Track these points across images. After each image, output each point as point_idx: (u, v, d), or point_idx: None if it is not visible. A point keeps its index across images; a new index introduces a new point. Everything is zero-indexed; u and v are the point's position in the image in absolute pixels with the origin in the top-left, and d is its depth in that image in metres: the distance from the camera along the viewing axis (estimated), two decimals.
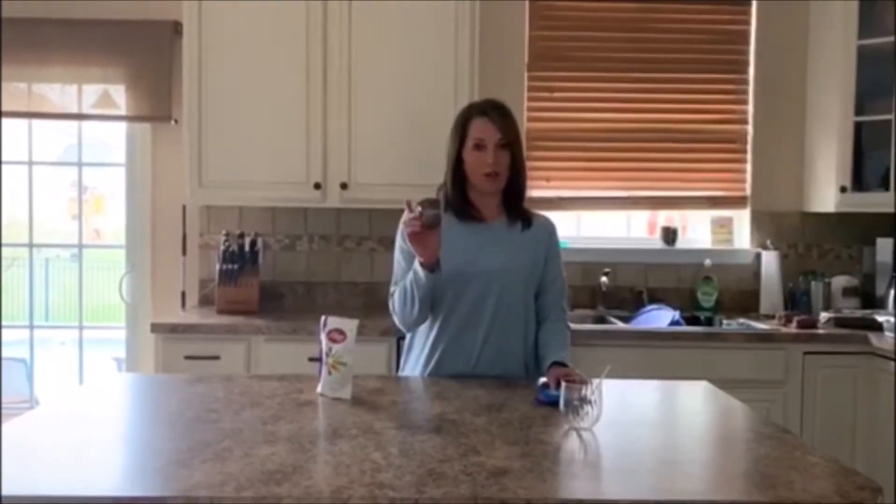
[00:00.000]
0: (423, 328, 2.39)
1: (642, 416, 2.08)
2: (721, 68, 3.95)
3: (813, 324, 3.41)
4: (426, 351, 2.37)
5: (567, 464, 1.65)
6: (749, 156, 3.97)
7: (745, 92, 3.96)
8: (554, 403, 1.92)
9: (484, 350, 2.33)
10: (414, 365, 2.41)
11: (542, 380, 2.11)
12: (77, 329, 4.04)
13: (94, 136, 4.15)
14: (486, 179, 2.30)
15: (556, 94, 3.91)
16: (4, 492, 1.36)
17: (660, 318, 3.56)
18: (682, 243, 4.00)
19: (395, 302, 2.34)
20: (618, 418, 1.90)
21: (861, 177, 3.66)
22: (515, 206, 2.38)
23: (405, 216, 2.04)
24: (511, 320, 2.34)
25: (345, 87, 3.45)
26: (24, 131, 3.94)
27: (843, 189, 3.62)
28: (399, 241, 2.39)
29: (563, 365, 2.22)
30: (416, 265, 2.20)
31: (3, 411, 3.59)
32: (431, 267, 2.17)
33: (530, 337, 2.39)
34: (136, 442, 1.77)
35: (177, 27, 3.64)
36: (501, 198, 2.38)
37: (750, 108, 3.96)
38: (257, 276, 3.58)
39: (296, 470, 1.49)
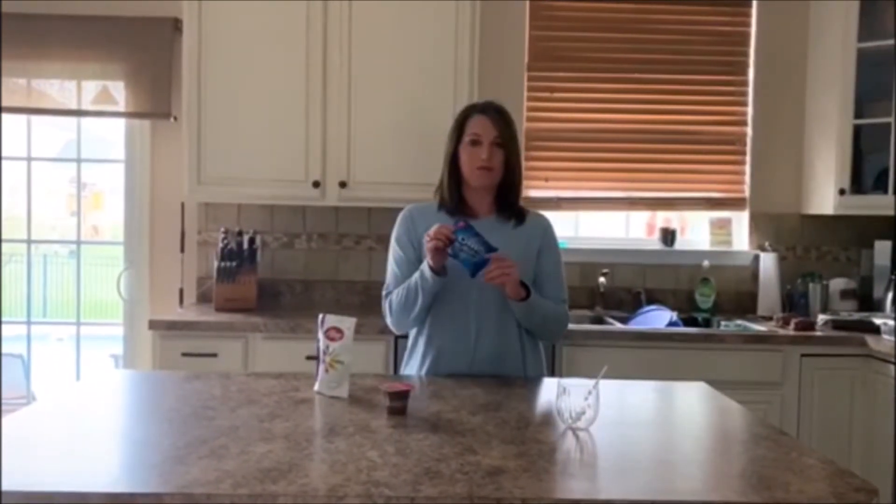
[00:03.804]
0: (416, 332, 2.43)
1: (639, 416, 2.08)
2: (721, 69, 3.95)
3: (810, 326, 3.41)
4: (422, 348, 2.40)
5: (563, 463, 1.65)
6: (748, 157, 3.97)
7: (745, 93, 3.96)
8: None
9: (479, 345, 2.34)
10: (414, 364, 2.42)
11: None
12: (75, 325, 4.04)
13: (93, 133, 4.14)
14: (480, 173, 2.33)
15: (556, 95, 3.91)
16: (2, 486, 1.36)
17: (658, 318, 3.56)
18: (680, 244, 4.00)
19: (392, 304, 2.38)
20: (614, 419, 1.91)
21: (860, 179, 3.67)
22: (508, 204, 2.40)
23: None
24: (502, 317, 2.34)
25: (344, 86, 3.45)
26: (24, 127, 3.94)
27: (841, 191, 3.62)
28: (394, 249, 2.43)
29: (525, 287, 2.27)
30: (425, 267, 2.24)
31: (2, 407, 3.59)
32: (438, 271, 2.24)
33: (529, 335, 2.40)
34: (132, 438, 1.77)
35: (177, 24, 3.64)
36: (495, 196, 2.41)
37: (749, 109, 3.96)
38: (255, 274, 3.57)
39: (292, 468, 1.49)
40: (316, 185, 3.45)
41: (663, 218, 4.08)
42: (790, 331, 3.39)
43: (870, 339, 3.26)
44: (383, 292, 2.44)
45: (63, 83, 3.76)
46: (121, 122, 3.87)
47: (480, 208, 2.41)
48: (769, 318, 3.64)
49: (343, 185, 3.46)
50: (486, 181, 2.36)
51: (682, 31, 3.93)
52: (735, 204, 4.00)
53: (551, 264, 2.43)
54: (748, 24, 3.94)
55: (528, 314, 2.32)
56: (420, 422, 1.85)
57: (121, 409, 2.07)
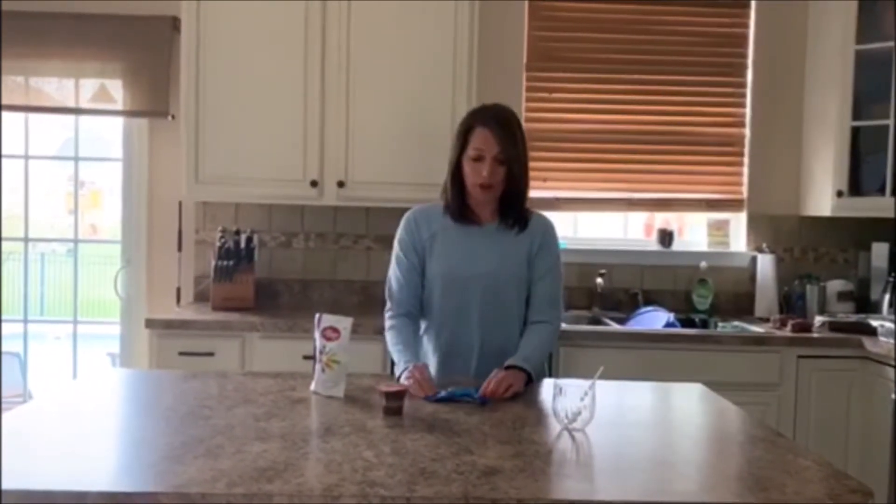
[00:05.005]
0: (421, 333, 2.44)
1: (636, 417, 2.08)
2: (719, 71, 3.95)
3: (807, 327, 3.41)
4: (426, 356, 2.41)
5: (559, 464, 1.65)
6: (746, 159, 3.97)
7: (743, 95, 3.96)
8: (445, 399, 2.02)
9: (482, 353, 2.36)
10: None
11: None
12: (72, 324, 4.04)
13: (91, 131, 4.14)
14: (480, 190, 2.33)
15: (555, 95, 3.91)
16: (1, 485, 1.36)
17: (655, 319, 3.56)
18: (678, 245, 4.00)
19: (387, 334, 2.39)
20: (611, 419, 1.91)
21: (858, 181, 3.66)
22: (512, 211, 2.38)
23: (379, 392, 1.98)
24: (504, 322, 2.37)
25: (343, 85, 3.44)
26: (21, 125, 3.93)
27: (839, 193, 3.62)
28: (397, 251, 2.43)
29: (517, 368, 2.20)
30: (404, 374, 2.20)
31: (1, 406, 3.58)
32: None
33: None
34: (129, 437, 1.77)
35: (175, 23, 3.64)
36: (498, 203, 2.40)
37: (748, 110, 3.95)
38: (253, 273, 3.57)
39: (287, 467, 1.49)
40: (314, 184, 3.45)
41: (661, 219, 4.08)
42: (787, 332, 3.39)
43: (867, 341, 3.26)
44: (386, 292, 2.45)
45: (61, 81, 3.75)
46: (119, 121, 3.86)
47: (483, 215, 2.40)
48: (766, 320, 3.64)
49: (341, 184, 3.46)
50: (486, 197, 2.35)
51: (681, 32, 3.93)
52: (733, 205, 4.00)
53: (545, 265, 2.41)
54: (747, 26, 3.94)
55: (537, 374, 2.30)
56: (416, 422, 1.85)
57: (117, 408, 2.07)
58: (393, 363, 2.62)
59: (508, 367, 2.20)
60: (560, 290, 2.46)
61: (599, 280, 3.82)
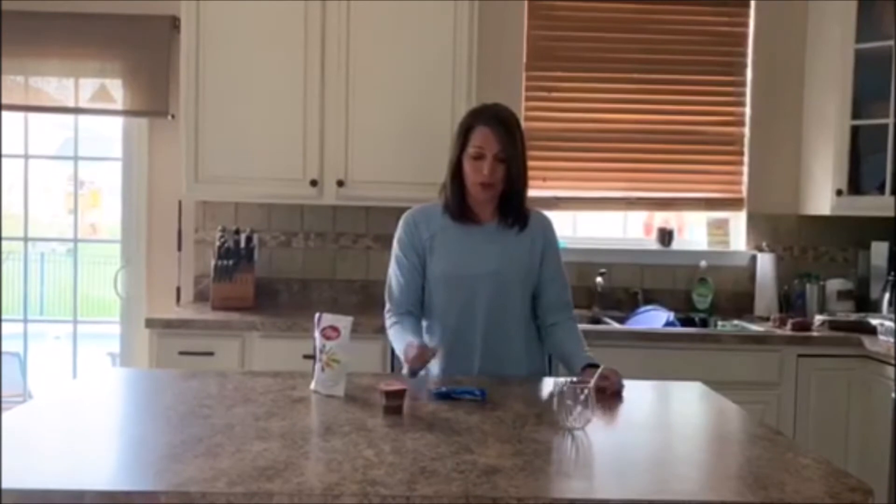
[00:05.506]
0: (423, 333, 2.43)
1: (636, 416, 2.08)
2: (719, 70, 3.95)
3: (807, 326, 3.42)
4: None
5: (559, 463, 1.65)
6: (746, 158, 3.97)
7: (743, 94, 3.96)
8: (446, 395, 2.03)
9: (484, 352, 2.36)
10: None
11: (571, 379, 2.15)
12: (72, 323, 4.04)
13: (91, 131, 4.13)
14: (480, 189, 2.33)
15: (554, 94, 3.91)
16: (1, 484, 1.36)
17: (655, 318, 3.57)
18: (678, 244, 4.00)
19: (389, 330, 2.41)
20: (611, 419, 1.91)
21: (857, 180, 3.67)
22: (511, 210, 2.39)
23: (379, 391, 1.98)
24: (507, 321, 2.37)
25: (342, 85, 3.44)
26: (21, 125, 3.93)
27: (839, 192, 3.62)
28: (396, 251, 2.42)
29: (596, 366, 2.18)
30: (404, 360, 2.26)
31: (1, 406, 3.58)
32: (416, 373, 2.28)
33: (532, 336, 2.42)
34: (129, 436, 1.77)
35: (175, 22, 3.64)
36: (498, 201, 2.40)
37: (747, 109, 3.96)
38: (253, 273, 3.57)
39: (287, 466, 1.49)
40: (313, 183, 3.45)
41: (661, 218, 4.08)
42: (787, 331, 3.39)
43: (866, 340, 3.26)
44: (386, 293, 2.45)
45: (61, 81, 3.75)
46: (118, 121, 3.86)
47: (483, 214, 2.41)
48: (766, 319, 3.65)
49: (340, 183, 3.46)
50: (486, 196, 2.35)
51: (680, 31, 3.93)
52: (732, 204, 4.00)
53: (553, 266, 2.43)
54: (746, 25, 3.94)
55: None
56: (416, 421, 1.85)
57: (117, 407, 2.07)
58: (393, 363, 2.63)
59: (584, 368, 2.23)
60: (569, 287, 2.49)
61: (599, 279, 3.82)
